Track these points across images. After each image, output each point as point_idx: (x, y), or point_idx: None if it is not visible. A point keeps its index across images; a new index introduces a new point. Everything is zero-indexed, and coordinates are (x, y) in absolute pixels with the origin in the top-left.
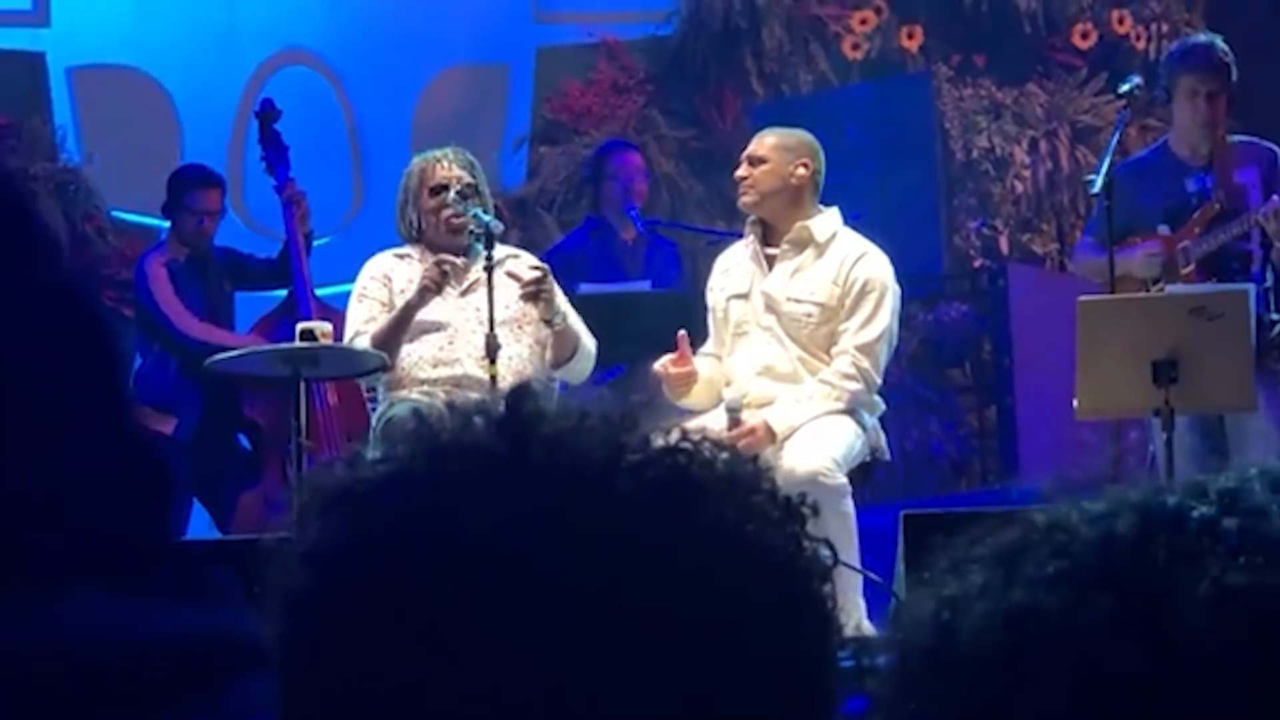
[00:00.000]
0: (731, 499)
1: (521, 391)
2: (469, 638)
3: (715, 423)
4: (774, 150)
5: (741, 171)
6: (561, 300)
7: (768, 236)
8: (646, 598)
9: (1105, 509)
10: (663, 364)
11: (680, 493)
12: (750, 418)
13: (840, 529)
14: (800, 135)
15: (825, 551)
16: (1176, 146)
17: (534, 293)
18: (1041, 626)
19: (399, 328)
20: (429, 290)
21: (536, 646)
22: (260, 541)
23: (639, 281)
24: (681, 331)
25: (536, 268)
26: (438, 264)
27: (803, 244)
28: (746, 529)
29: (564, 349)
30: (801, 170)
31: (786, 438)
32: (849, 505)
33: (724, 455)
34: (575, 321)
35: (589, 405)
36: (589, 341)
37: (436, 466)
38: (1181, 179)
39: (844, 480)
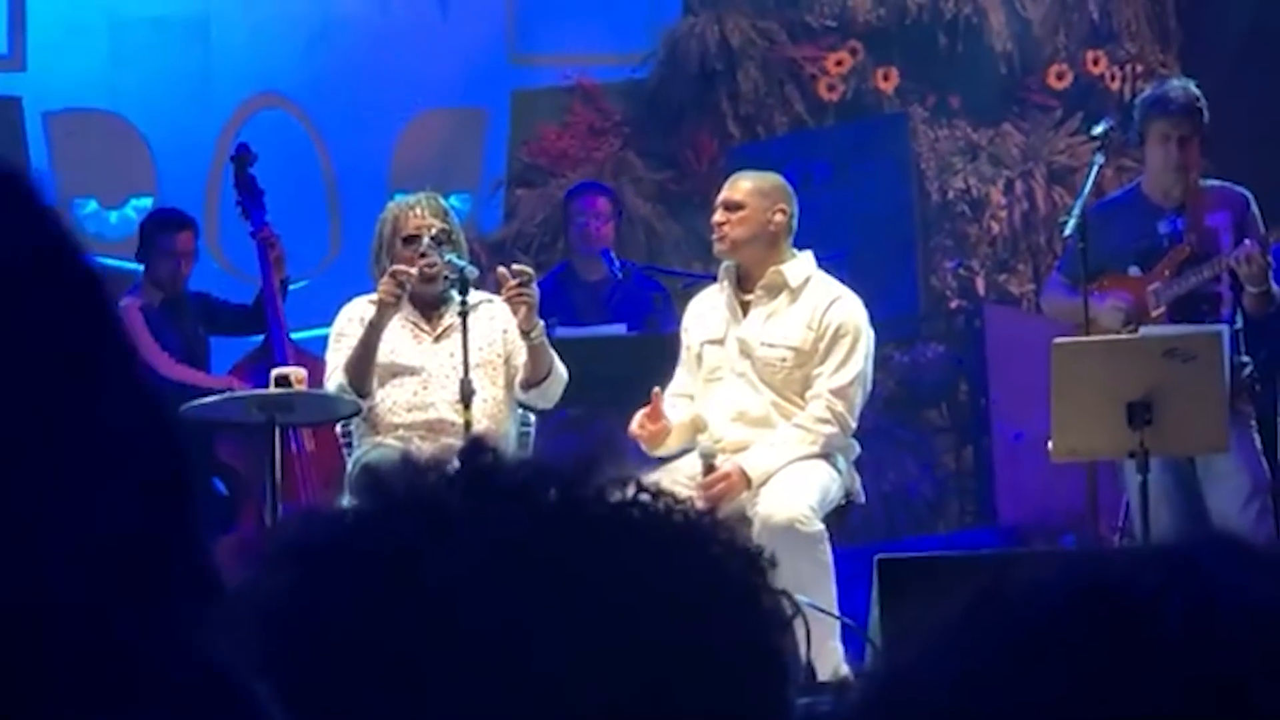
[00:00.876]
0: (689, 553)
1: (477, 446)
2: (416, 701)
3: (689, 466)
4: (751, 195)
5: (718, 217)
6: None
7: (742, 281)
8: (602, 655)
9: (1057, 575)
10: (639, 424)
11: (636, 547)
12: (725, 463)
13: (818, 575)
14: (775, 179)
15: (785, 603)
16: (1149, 189)
17: (519, 294)
18: (990, 695)
19: (366, 351)
20: (387, 304)
21: (483, 708)
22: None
23: (611, 325)
24: (655, 389)
25: (521, 270)
26: (393, 275)
27: (777, 289)
28: (704, 583)
29: (538, 368)
30: (779, 216)
31: (762, 483)
32: (826, 551)
33: (681, 508)
34: (552, 356)
35: (546, 457)
36: (561, 366)
37: (390, 523)
38: (1154, 221)
39: (821, 527)
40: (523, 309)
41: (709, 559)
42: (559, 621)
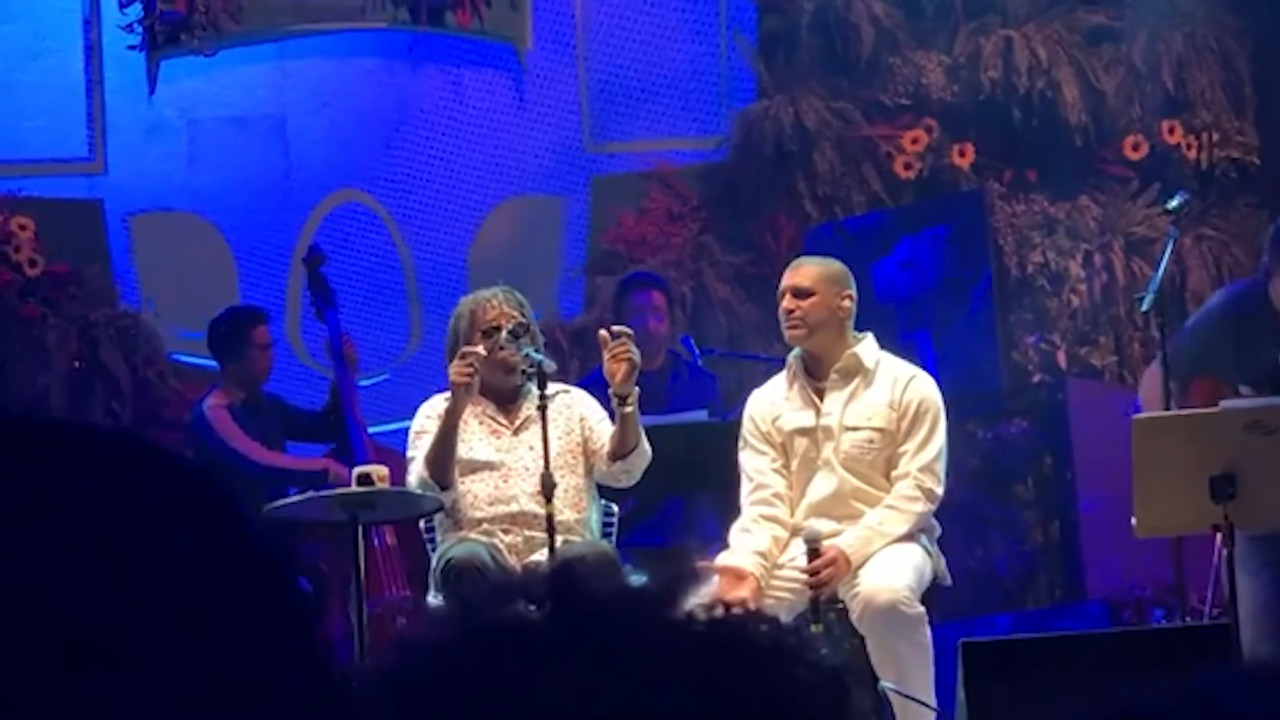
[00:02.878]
0: (777, 672)
1: (562, 567)
2: None
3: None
4: (819, 281)
5: (787, 304)
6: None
7: (811, 368)
8: None
9: (1106, 712)
10: (725, 590)
11: (725, 669)
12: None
13: (918, 658)
14: (837, 265)
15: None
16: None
17: (621, 354)
18: None
19: (445, 441)
20: (459, 387)
21: None
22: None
23: (695, 412)
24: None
25: (622, 331)
26: (462, 356)
27: (852, 373)
28: (793, 701)
29: (628, 438)
30: (846, 301)
31: (860, 565)
32: (926, 634)
33: (767, 627)
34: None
35: (635, 577)
36: (646, 443)
37: (481, 649)
38: (1274, 346)
39: (921, 610)
40: (624, 368)
41: (798, 679)
42: None
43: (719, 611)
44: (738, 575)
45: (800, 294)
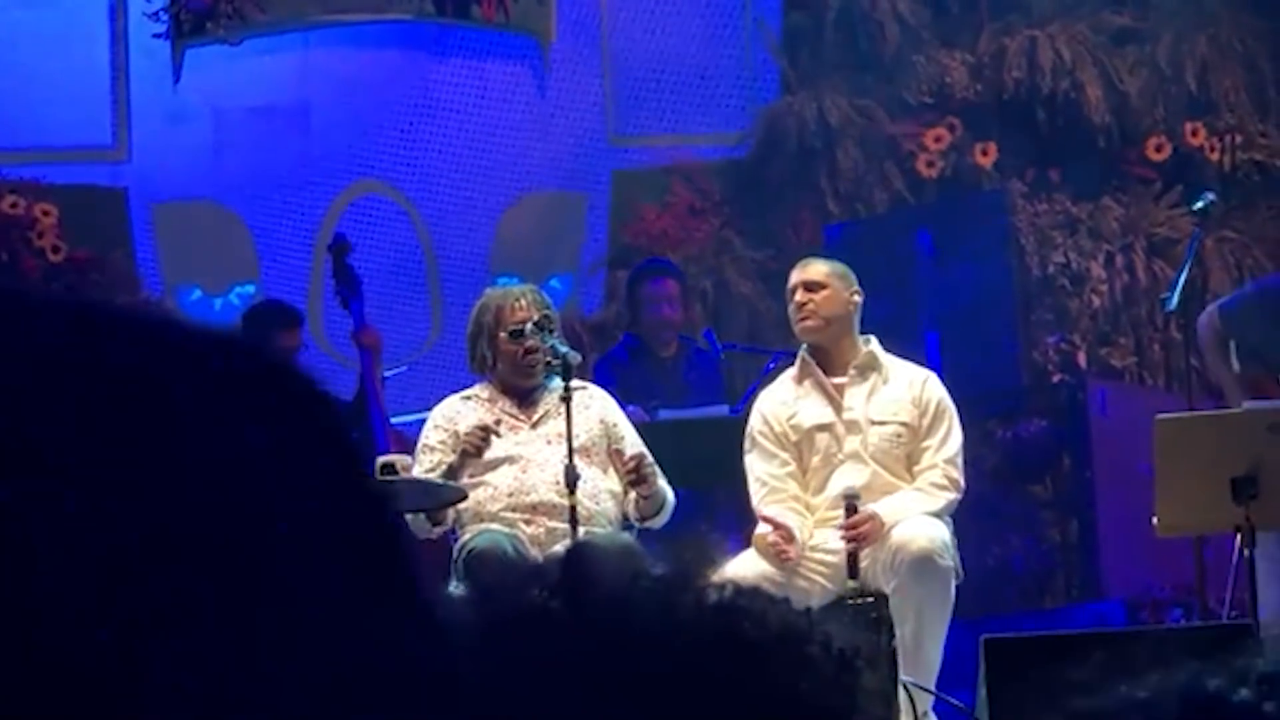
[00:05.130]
0: (786, 653)
1: (574, 554)
2: None
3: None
4: (830, 277)
5: (800, 297)
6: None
7: (823, 364)
8: None
9: (1149, 696)
10: (778, 548)
11: (735, 649)
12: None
13: (938, 613)
14: (843, 265)
15: (880, 701)
16: None
17: (639, 477)
18: None
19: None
20: (468, 454)
21: None
22: None
23: (717, 406)
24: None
25: (635, 456)
26: (484, 430)
27: (869, 369)
28: (800, 686)
29: (650, 508)
30: (856, 298)
31: (891, 528)
32: (952, 591)
33: (777, 609)
34: (658, 478)
35: (644, 562)
36: (670, 495)
37: (492, 635)
38: None
39: (951, 564)
40: (645, 483)
41: (807, 660)
42: None
43: (729, 593)
44: (788, 534)
45: (813, 287)
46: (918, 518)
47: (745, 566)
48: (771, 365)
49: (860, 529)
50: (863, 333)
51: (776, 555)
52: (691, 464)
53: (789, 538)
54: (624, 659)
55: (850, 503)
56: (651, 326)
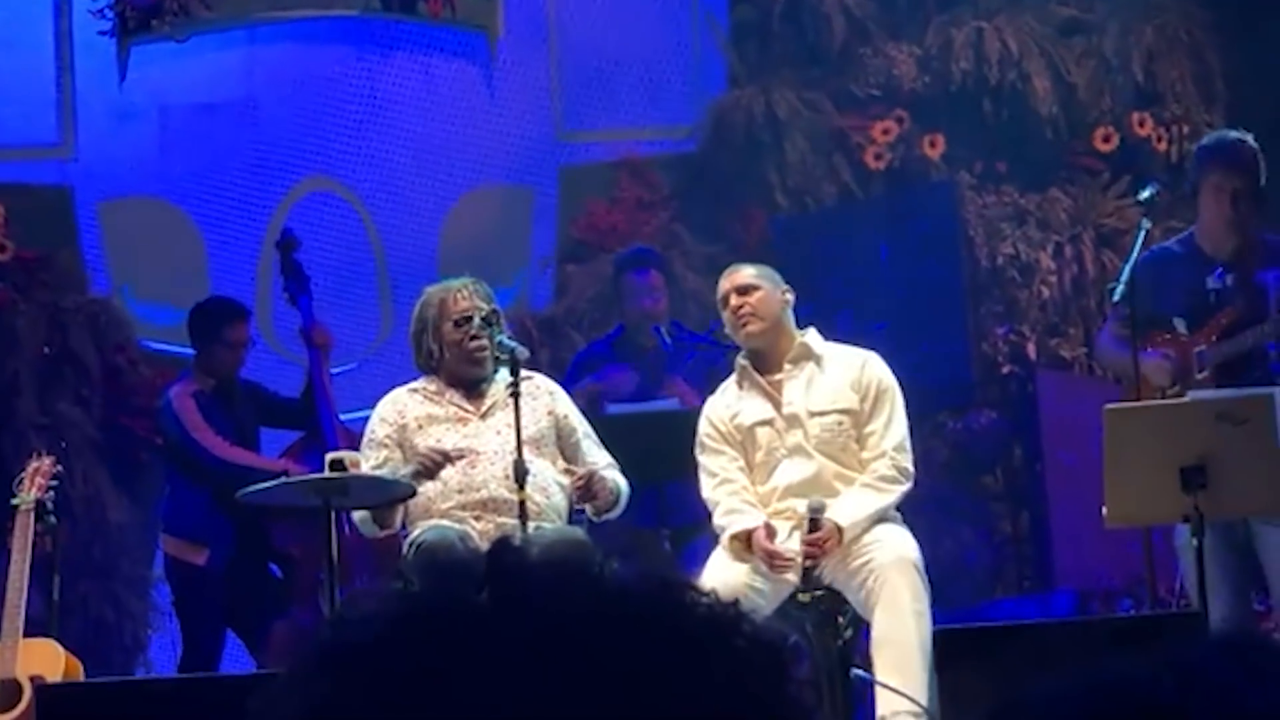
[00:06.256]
0: (713, 644)
1: (502, 548)
2: None
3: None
4: (760, 279)
5: (735, 302)
6: (594, 446)
7: (759, 365)
8: None
9: (1074, 688)
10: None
11: (661, 640)
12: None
13: (923, 618)
14: (768, 267)
15: (809, 693)
16: (1201, 240)
17: (588, 493)
18: None
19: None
20: (421, 475)
21: None
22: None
23: (665, 400)
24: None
25: (588, 474)
26: (441, 454)
27: (803, 359)
28: (729, 672)
29: (605, 503)
30: (789, 295)
31: (851, 536)
32: (927, 602)
33: (705, 600)
34: (611, 471)
35: (592, 554)
36: (624, 485)
37: (418, 626)
38: (1203, 274)
39: (926, 581)
40: (591, 504)
41: (736, 650)
42: (595, 710)
43: (655, 585)
44: (769, 530)
45: (745, 291)
46: (895, 536)
47: (723, 572)
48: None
49: (825, 545)
50: (809, 325)
51: (770, 563)
52: (640, 458)
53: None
54: (547, 651)
55: (814, 516)
56: (634, 318)
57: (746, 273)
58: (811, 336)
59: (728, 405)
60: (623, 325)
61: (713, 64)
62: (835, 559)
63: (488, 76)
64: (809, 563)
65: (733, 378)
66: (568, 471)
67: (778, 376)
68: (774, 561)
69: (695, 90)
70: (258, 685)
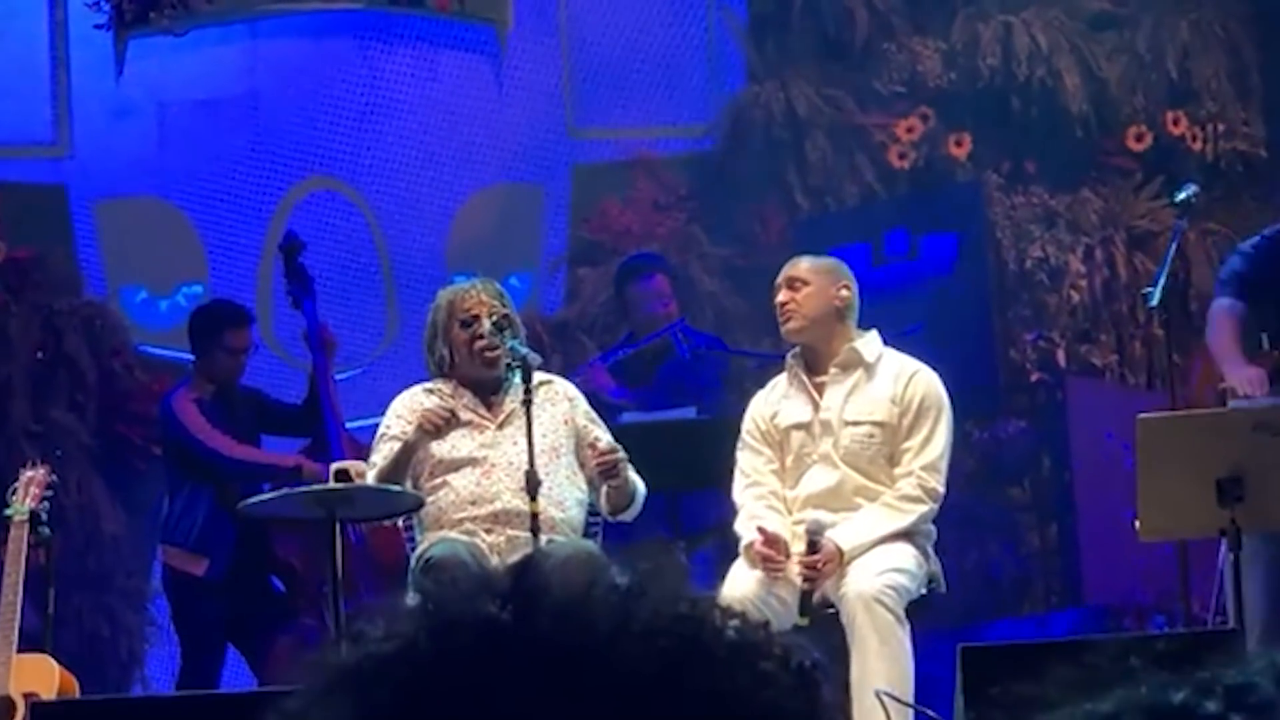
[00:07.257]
0: (742, 667)
1: (527, 564)
2: None
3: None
4: (814, 273)
5: (782, 296)
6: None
7: (811, 363)
8: None
9: (1112, 709)
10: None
11: (689, 663)
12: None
13: (895, 659)
14: (833, 260)
15: (838, 715)
16: None
17: (611, 470)
18: None
19: (399, 467)
20: (426, 432)
21: None
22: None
23: (683, 409)
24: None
25: (612, 448)
26: (448, 410)
27: (852, 366)
28: (758, 697)
29: (621, 499)
30: (844, 292)
31: (852, 558)
32: (905, 636)
33: (734, 622)
34: (629, 470)
35: (605, 571)
36: (641, 486)
37: (442, 643)
38: None
39: (901, 612)
40: (618, 480)
41: (765, 673)
42: None
43: (684, 607)
44: (782, 547)
45: (795, 284)
46: (871, 561)
47: (742, 583)
48: (756, 367)
49: (824, 568)
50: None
51: (765, 567)
52: (657, 467)
53: (782, 552)
54: (574, 670)
55: (813, 537)
56: (644, 325)
57: (802, 266)
58: (867, 341)
59: (771, 404)
60: (631, 334)
61: (730, 59)
62: (831, 581)
63: (497, 71)
64: (807, 585)
65: (784, 374)
66: (590, 446)
67: (822, 379)
68: (767, 566)
69: (712, 86)
70: (262, 703)
